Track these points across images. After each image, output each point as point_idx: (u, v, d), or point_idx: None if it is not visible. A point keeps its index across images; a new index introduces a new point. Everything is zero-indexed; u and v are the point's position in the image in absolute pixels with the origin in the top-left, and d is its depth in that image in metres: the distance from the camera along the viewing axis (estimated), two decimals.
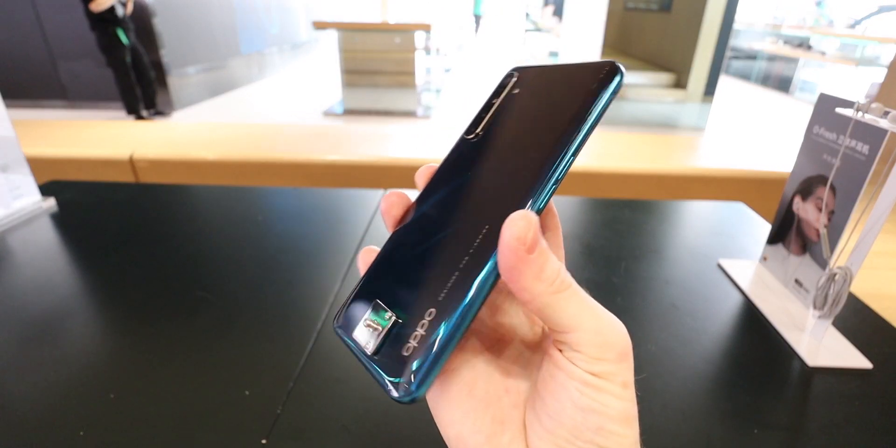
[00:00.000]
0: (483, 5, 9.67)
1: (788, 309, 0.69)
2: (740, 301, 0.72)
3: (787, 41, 6.65)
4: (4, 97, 0.94)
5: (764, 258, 0.79)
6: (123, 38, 3.80)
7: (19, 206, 0.92)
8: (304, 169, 1.65)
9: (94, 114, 4.50)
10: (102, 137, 1.82)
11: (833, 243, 0.63)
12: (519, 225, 0.17)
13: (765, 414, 0.52)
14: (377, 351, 0.20)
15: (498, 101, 0.25)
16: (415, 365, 0.19)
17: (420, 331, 0.19)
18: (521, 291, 0.18)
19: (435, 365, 0.18)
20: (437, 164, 0.25)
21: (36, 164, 1.02)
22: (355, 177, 1.66)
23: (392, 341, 0.20)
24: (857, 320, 0.69)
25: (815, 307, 0.64)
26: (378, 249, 0.24)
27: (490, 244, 0.19)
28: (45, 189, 1.02)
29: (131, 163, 1.66)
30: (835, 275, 0.60)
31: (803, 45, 6.39)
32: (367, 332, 0.21)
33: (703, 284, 0.76)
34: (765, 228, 0.95)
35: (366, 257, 0.24)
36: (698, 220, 1.01)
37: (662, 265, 0.81)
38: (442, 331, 0.19)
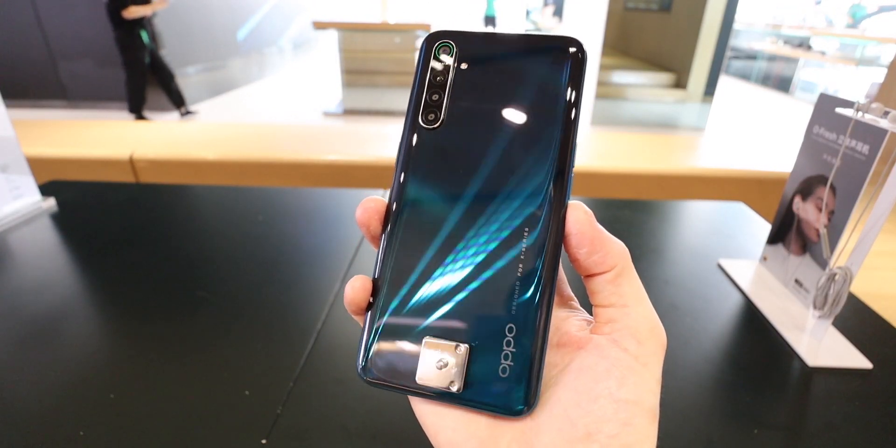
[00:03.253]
0: (496, 6, 9.43)
1: (788, 309, 0.69)
2: (740, 301, 0.72)
3: (787, 41, 6.65)
4: (4, 97, 0.94)
5: (764, 258, 0.79)
6: (146, 39, 3.87)
7: (19, 206, 0.92)
8: (304, 169, 1.65)
9: (94, 114, 4.50)
10: (102, 137, 1.82)
11: (833, 243, 0.63)
12: (582, 208, 0.20)
13: (765, 414, 0.52)
14: (465, 386, 0.19)
15: (448, 79, 0.21)
16: (521, 379, 0.19)
17: (509, 349, 0.19)
18: (607, 257, 0.20)
19: (541, 372, 0.19)
20: (378, 198, 0.21)
21: (36, 164, 1.02)
22: (355, 177, 1.66)
23: (478, 370, 0.19)
24: (857, 320, 0.69)
25: (815, 307, 0.64)
26: (368, 278, 0.21)
27: (540, 242, 0.20)
28: (45, 189, 1.02)
29: (131, 163, 1.66)
30: (835, 275, 0.60)
31: (803, 45, 6.39)
32: (439, 373, 0.19)
33: (703, 284, 0.76)
34: (765, 228, 0.95)
35: (357, 295, 0.21)
36: (698, 220, 1.01)
37: (662, 265, 0.81)
38: (533, 338, 0.19)
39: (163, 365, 0.57)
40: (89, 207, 0.98)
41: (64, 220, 0.92)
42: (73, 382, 0.54)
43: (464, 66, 0.21)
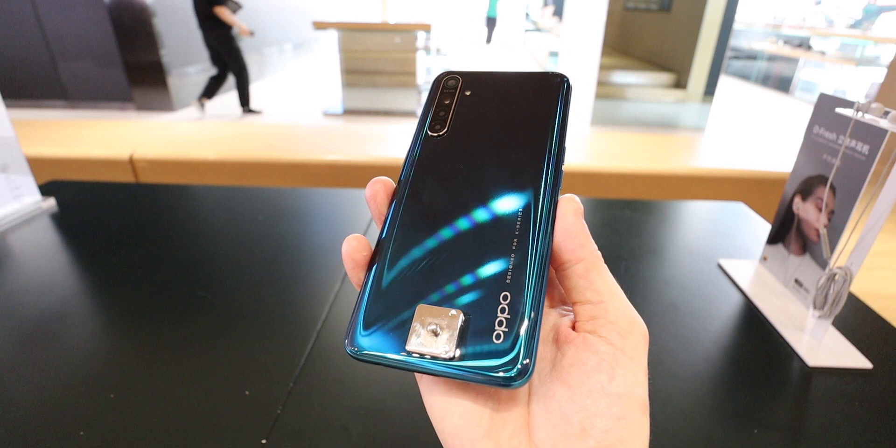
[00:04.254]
0: (498, 6, 9.25)
1: (788, 309, 0.69)
2: (740, 301, 0.72)
3: (787, 41, 6.65)
4: (4, 97, 0.94)
5: (764, 258, 0.79)
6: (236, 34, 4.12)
7: (19, 206, 0.92)
8: (304, 169, 1.65)
9: (94, 114, 4.50)
10: (102, 137, 1.82)
11: (833, 243, 0.63)
12: (575, 199, 0.22)
13: (765, 414, 0.52)
14: (459, 354, 0.19)
15: (453, 101, 0.26)
16: (516, 345, 0.19)
17: (503, 315, 0.19)
18: (578, 248, 0.21)
19: (536, 336, 0.19)
20: (387, 178, 0.24)
21: (36, 164, 1.02)
22: (355, 177, 1.66)
23: (471, 337, 0.19)
24: (857, 320, 0.69)
25: (815, 307, 0.64)
26: (367, 242, 0.22)
27: (532, 224, 0.21)
28: (45, 189, 1.02)
29: (131, 163, 1.66)
30: (835, 275, 0.60)
31: (803, 45, 6.39)
32: (432, 340, 0.19)
33: (703, 284, 0.76)
34: (765, 228, 0.95)
35: (354, 255, 0.22)
36: (698, 220, 1.01)
37: (662, 265, 0.81)
38: (528, 306, 0.19)
39: (163, 365, 0.57)
40: (89, 207, 0.98)
41: (64, 220, 0.92)
42: (73, 382, 0.54)
43: (467, 92, 0.26)
